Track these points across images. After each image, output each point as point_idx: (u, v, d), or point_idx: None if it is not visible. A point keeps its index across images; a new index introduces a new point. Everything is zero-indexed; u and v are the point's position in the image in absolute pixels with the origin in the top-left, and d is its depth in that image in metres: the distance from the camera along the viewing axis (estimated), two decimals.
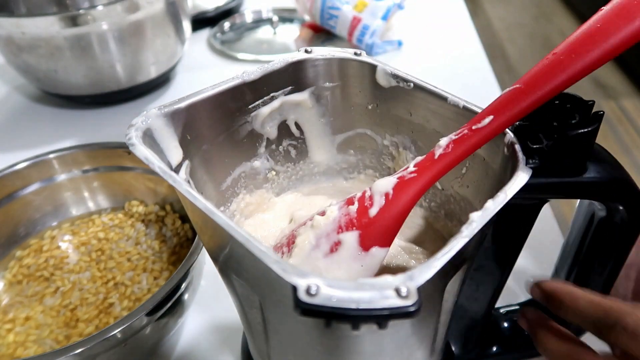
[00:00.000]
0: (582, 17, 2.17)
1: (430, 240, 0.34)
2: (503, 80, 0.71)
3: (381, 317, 0.18)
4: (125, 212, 0.46)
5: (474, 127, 0.25)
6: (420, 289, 0.18)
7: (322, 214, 0.28)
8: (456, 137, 0.25)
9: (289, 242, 0.29)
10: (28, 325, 0.38)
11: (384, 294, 0.18)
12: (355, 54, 0.32)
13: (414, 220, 0.35)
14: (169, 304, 0.33)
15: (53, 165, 0.44)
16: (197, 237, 0.36)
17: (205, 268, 0.39)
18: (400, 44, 0.78)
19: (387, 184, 0.27)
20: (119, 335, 0.30)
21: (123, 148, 0.44)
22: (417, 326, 0.25)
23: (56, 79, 0.61)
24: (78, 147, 0.44)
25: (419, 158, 0.26)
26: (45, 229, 0.44)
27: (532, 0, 2.38)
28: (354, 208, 0.27)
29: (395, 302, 0.17)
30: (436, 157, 0.25)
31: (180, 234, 0.43)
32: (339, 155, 0.36)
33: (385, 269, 0.30)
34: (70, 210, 0.46)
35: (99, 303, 0.40)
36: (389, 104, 0.32)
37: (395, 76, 0.31)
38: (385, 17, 0.76)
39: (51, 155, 0.44)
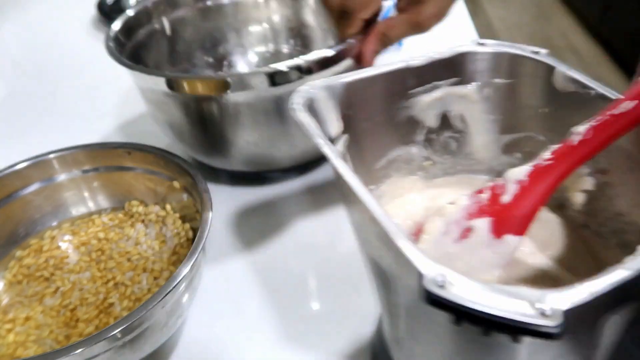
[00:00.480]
0: (582, 17, 2.17)
1: (583, 266, 0.30)
2: None
3: (518, 330, 0.16)
4: (125, 212, 0.46)
5: (616, 112, 0.24)
6: (567, 313, 0.16)
7: (452, 203, 0.28)
8: (597, 123, 0.24)
9: (417, 232, 0.29)
10: (28, 325, 0.38)
11: (525, 306, 0.16)
12: (533, 52, 0.30)
13: (568, 242, 0.31)
14: (169, 304, 0.33)
15: (53, 165, 0.43)
16: (197, 238, 0.36)
17: (206, 268, 0.39)
18: (400, 44, 0.78)
19: (521, 171, 0.26)
20: (119, 335, 0.30)
21: (123, 148, 0.44)
22: (564, 354, 0.23)
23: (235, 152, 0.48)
24: (78, 147, 0.44)
25: (554, 146, 0.26)
26: (45, 229, 0.44)
27: (532, 0, 2.38)
28: (485, 196, 0.27)
29: (536, 318, 0.16)
30: (575, 143, 0.25)
31: (181, 234, 0.43)
32: (504, 156, 0.34)
33: (519, 280, 0.29)
34: (70, 210, 0.45)
35: (99, 303, 0.39)
36: (565, 111, 0.30)
37: (574, 81, 0.28)
38: (385, 17, 0.75)
39: (51, 155, 0.43)
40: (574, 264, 0.30)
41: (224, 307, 0.42)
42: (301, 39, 0.63)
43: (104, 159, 0.44)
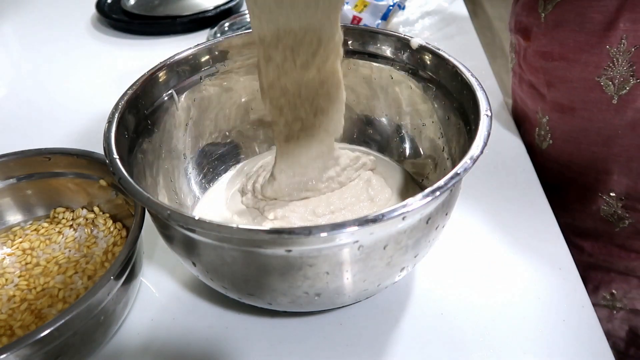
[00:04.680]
0: None
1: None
2: (503, 80, 0.70)
3: None
4: (50, 220, 0.43)
5: None
6: None
7: None
8: None
9: None
10: None
11: None
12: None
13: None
14: (109, 297, 0.33)
15: None
16: (131, 232, 0.35)
17: (145, 257, 0.39)
18: (402, 7, 0.77)
19: None
20: (55, 333, 0.29)
21: (41, 155, 0.42)
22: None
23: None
24: (6, 155, 0.42)
25: None
26: None
27: None
28: None
29: None
30: None
31: (114, 233, 0.41)
32: None
33: None
34: (6, 219, 0.43)
35: (33, 309, 0.37)
36: None
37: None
38: (385, 17, 0.75)
39: None
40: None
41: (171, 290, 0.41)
42: None
43: (33, 166, 0.42)
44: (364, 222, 0.26)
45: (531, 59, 0.51)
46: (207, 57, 0.43)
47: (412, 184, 0.44)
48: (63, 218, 0.43)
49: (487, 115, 0.32)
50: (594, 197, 0.50)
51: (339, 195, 0.41)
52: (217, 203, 0.44)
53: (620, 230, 0.50)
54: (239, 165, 0.48)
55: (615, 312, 0.51)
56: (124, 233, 0.41)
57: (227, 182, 0.46)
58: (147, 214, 0.36)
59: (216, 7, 0.84)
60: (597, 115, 0.46)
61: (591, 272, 0.52)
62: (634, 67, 0.42)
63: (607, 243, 0.52)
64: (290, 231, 0.26)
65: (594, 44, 0.43)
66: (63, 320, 0.29)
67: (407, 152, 0.46)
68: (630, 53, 0.41)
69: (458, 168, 0.29)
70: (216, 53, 0.44)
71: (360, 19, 0.74)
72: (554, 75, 0.48)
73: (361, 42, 0.44)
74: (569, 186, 0.52)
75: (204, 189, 0.45)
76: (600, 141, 0.47)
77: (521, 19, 0.52)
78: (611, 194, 0.49)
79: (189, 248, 0.32)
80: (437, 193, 0.27)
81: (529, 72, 0.52)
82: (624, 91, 0.43)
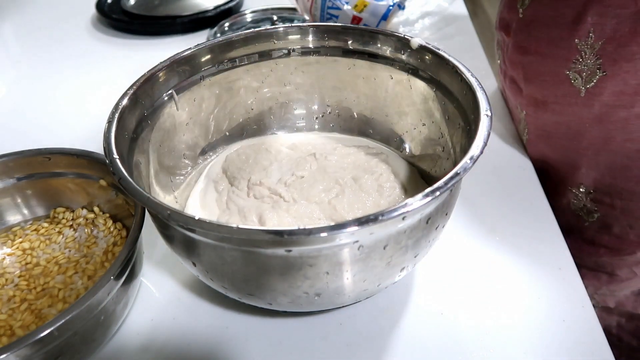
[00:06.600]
0: None
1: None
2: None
3: None
4: (50, 220, 0.43)
5: None
6: None
7: None
8: None
9: None
10: None
11: None
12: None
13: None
14: (109, 297, 0.33)
15: None
16: (131, 232, 0.35)
17: (145, 257, 0.38)
18: (402, 7, 0.77)
19: None
20: (55, 333, 0.29)
21: (42, 155, 0.42)
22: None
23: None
24: (6, 155, 0.42)
25: None
26: None
27: None
28: None
29: None
30: None
31: (114, 233, 0.41)
32: None
33: None
34: (7, 219, 0.43)
35: (33, 309, 0.37)
36: None
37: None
38: (385, 17, 0.75)
39: None
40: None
41: (171, 290, 0.41)
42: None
43: (33, 166, 0.42)
44: (364, 222, 0.26)
45: (511, 54, 0.52)
46: (207, 57, 0.43)
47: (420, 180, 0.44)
48: (63, 218, 0.43)
49: (487, 115, 0.32)
50: (564, 191, 0.51)
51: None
52: (195, 194, 0.44)
53: (589, 225, 0.51)
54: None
55: None
56: (124, 233, 0.41)
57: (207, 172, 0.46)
58: (147, 214, 0.36)
59: (216, 7, 0.84)
60: (566, 109, 0.46)
61: None
62: (601, 60, 0.42)
63: (577, 238, 0.52)
64: (290, 231, 0.26)
65: (564, 38, 0.44)
66: (63, 320, 0.29)
67: (407, 151, 0.46)
68: (598, 46, 0.42)
69: (458, 168, 0.29)
70: (216, 53, 0.43)
71: (360, 19, 0.74)
72: (530, 69, 0.49)
73: (361, 42, 0.44)
74: (541, 181, 0.53)
75: None
76: (570, 135, 0.48)
77: (504, 16, 0.54)
78: (580, 188, 0.50)
79: (189, 248, 0.32)
80: (437, 193, 0.27)
81: (510, 68, 0.53)
82: (591, 84, 0.43)
